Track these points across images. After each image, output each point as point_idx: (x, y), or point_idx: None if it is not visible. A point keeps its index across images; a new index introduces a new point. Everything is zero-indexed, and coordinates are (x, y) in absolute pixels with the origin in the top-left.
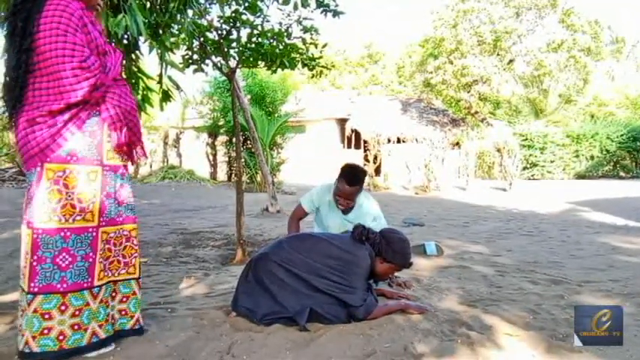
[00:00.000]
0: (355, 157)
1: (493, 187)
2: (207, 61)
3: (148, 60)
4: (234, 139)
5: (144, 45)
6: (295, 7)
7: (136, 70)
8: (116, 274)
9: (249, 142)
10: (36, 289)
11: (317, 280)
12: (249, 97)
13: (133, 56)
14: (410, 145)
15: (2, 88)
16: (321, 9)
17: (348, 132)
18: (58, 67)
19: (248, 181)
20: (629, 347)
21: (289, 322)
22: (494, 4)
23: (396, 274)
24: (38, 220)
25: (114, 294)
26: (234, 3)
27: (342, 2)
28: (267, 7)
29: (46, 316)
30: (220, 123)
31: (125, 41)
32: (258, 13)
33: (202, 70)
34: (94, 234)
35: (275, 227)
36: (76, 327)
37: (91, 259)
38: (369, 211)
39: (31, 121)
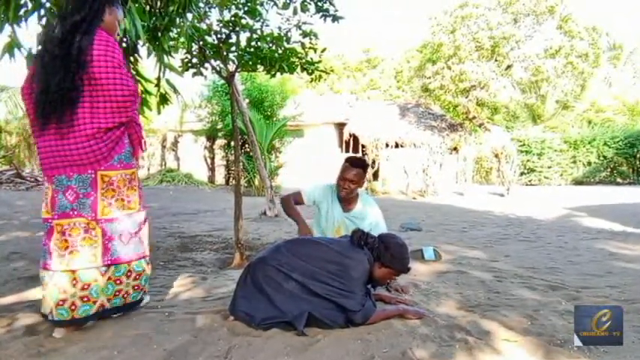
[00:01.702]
0: None
1: (491, 192)
2: (206, 64)
3: (147, 63)
4: (232, 143)
5: (142, 48)
6: (295, 12)
7: (134, 73)
8: None
9: (247, 145)
10: (109, 262)
11: (315, 284)
12: (247, 100)
13: (132, 59)
14: (408, 149)
15: (45, 103)
16: (321, 14)
17: (346, 136)
18: (116, 92)
19: (246, 184)
20: (627, 354)
21: (287, 327)
22: (492, 11)
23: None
24: (99, 213)
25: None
26: (233, 7)
27: (340, 7)
28: (267, 11)
29: (118, 282)
30: (219, 126)
31: (124, 44)
32: (258, 18)
33: (201, 74)
34: (143, 216)
35: (273, 231)
36: (136, 287)
37: (139, 236)
38: (371, 213)
39: (89, 136)
